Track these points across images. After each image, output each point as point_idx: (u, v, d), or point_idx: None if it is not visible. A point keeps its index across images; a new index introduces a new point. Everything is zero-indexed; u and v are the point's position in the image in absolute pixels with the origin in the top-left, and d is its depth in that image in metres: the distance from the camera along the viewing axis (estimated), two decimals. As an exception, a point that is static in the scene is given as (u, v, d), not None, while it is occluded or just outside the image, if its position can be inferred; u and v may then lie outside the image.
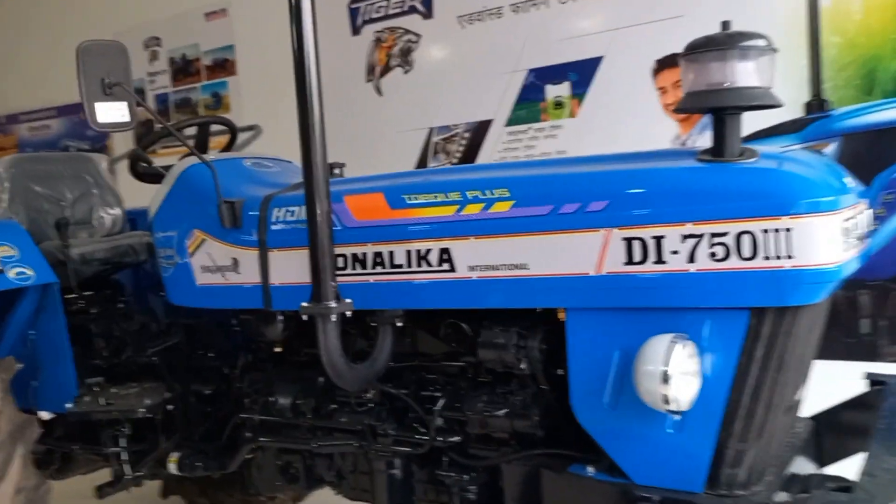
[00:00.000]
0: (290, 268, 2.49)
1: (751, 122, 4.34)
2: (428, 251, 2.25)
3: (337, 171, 3.08)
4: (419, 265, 2.27)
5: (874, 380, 2.41)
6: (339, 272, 2.39)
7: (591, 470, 2.11)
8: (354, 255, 2.38)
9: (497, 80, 4.99)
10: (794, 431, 2.36)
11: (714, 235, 1.86)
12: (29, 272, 2.90)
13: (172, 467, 3.06)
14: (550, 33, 4.75)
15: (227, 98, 6.27)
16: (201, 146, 3.22)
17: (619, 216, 1.97)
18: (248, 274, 2.60)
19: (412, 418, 2.49)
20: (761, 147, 2.04)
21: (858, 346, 3.92)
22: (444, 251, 2.22)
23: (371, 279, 2.35)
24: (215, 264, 2.69)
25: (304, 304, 2.19)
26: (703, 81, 1.94)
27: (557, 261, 2.06)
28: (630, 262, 1.96)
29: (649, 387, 1.82)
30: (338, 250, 2.39)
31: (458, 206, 2.21)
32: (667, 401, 1.80)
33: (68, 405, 3.03)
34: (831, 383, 2.48)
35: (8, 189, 3.49)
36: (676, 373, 1.81)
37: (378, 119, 5.51)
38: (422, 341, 2.51)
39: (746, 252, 1.83)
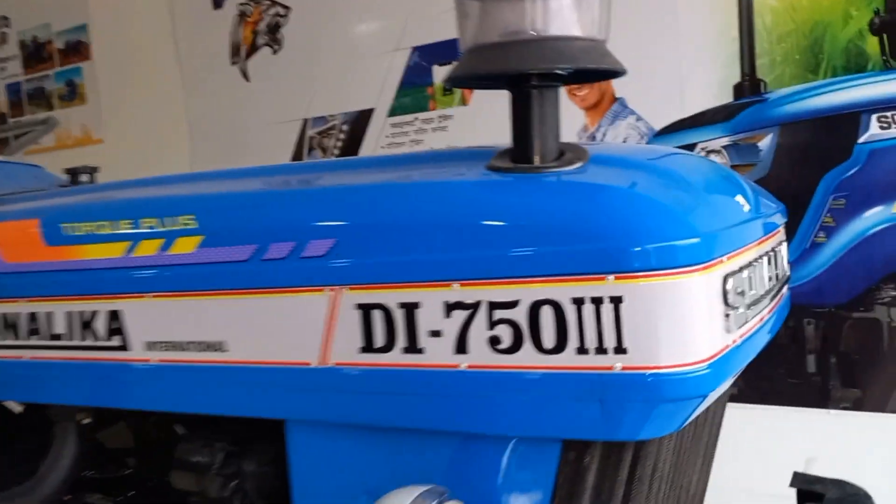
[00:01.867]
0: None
1: (663, 110, 3.54)
2: (93, 315, 1.40)
3: (85, 177, 2.22)
4: (83, 337, 1.42)
5: (803, 489, 1.59)
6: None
7: None
8: (4, 317, 1.53)
9: (378, 62, 4.13)
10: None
11: (495, 307, 1.03)
12: None
13: None
14: (437, 3, 3.90)
15: (83, 87, 5.34)
16: None
17: (350, 267, 1.13)
18: None
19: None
20: (600, 146, 1.23)
21: (804, 389, 3.14)
22: (114, 315, 1.38)
23: (27, 356, 1.50)
24: None
25: None
26: (490, 30, 1.11)
27: (263, 341, 1.22)
28: (368, 347, 1.13)
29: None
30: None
31: (129, 244, 1.36)
32: None
33: None
34: (770, 438, 1.68)
35: None
36: (417, 565, 0.99)
37: (246, 108, 4.63)
38: (120, 442, 1.67)
39: (548, 339, 1.00)
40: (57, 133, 5.43)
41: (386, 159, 1.34)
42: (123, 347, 1.36)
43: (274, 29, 4.46)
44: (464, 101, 3.96)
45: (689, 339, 0.97)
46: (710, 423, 1.38)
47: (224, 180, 1.42)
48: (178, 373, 1.31)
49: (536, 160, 1.12)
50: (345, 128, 4.32)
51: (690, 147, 3.40)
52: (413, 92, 4.07)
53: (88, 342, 1.41)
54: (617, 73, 1.13)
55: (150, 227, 1.33)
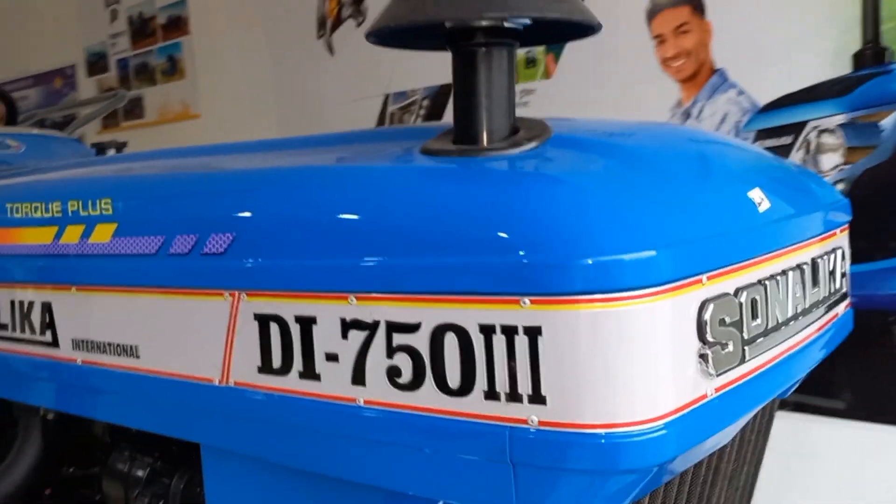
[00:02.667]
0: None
1: (770, 83, 3.10)
2: (30, 305, 1.28)
3: (111, 152, 2.15)
4: (23, 329, 1.30)
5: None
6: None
7: None
8: (-36, 303, 1.44)
9: (459, 33, 3.89)
10: None
11: (394, 329, 0.80)
12: None
13: None
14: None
15: (183, 62, 5.41)
16: None
17: (249, 268, 0.93)
18: None
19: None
20: (572, 123, 0.95)
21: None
22: (46, 308, 1.25)
23: (-19, 344, 1.41)
24: None
25: None
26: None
27: (171, 348, 1.04)
28: (266, 367, 0.92)
29: None
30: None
31: (57, 228, 1.22)
32: None
33: None
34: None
35: None
36: None
37: (330, 83, 4.52)
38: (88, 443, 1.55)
39: (452, 377, 0.76)
40: (159, 109, 5.56)
41: (319, 139, 1.12)
42: (55, 344, 1.23)
43: (358, 1, 4.31)
44: (547, 74, 3.66)
45: (634, 389, 0.70)
46: (727, 472, 1.09)
47: (162, 160, 1.25)
48: (99, 377, 1.16)
49: (482, 140, 0.88)
50: (425, 103, 4.12)
51: (800, 126, 2.97)
52: (496, 64, 3.81)
53: (27, 335, 1.29)
54: (587, 28, 0.86)
55: (75, 211, 1.18)
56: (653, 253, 0.70)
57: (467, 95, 0.89)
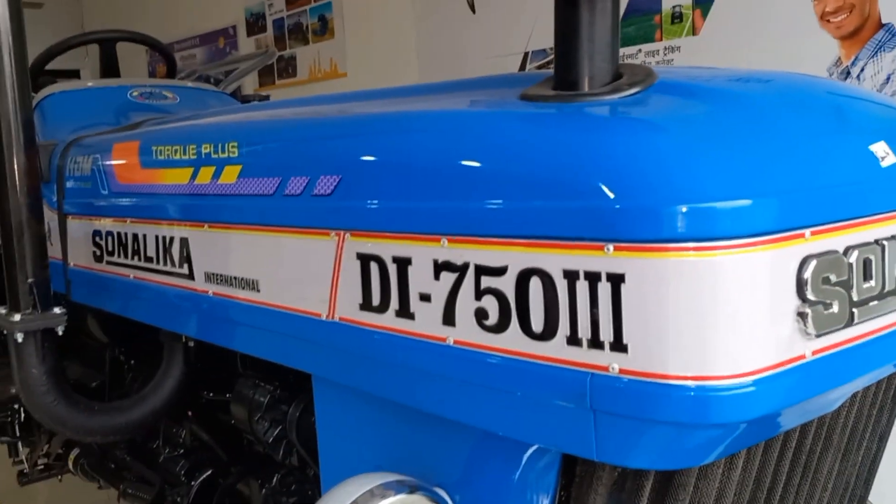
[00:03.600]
0: (87, 244, 1.75)
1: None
2: (171, 241, 1.39)
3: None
4: (165, 261, 1.42)
5: None
6: (109, 259, 1.62)
7: None
8: (118, 236, 1.58)
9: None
10: None
11: (483, 272, 0.81)
12: None
13: (70, 465, 2.54)
14: (670, -81, 3.45)
15: (333, 21, 5.59)
16: (111, 70, 2.56)
17: (352, 209, 0.97)
18: (56, 248, 1.91)
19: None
20: (681, 70, 0.91)
21: None
22: (184, 243, 1.35)
23: (131, 275, 1.55)
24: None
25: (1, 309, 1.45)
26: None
27: (286, 283, 1.11)
28: (367, 304, 0.96)
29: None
30: (105, 226, 1.62)
31: (192, 170, 1.31)
32: None
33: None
34: None
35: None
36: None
37: (471, 41, 4.53)
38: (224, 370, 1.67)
39: (536, 320, 0.77)
40: (310, 67, 5.78)
41: (425, 87, 1.14)
42: (191, 276, 1.34)
43: (500, -42, 4.27)
44: (693, 31, 3.50)
45: (720, 342, 0.68)
46: (840, 445, 1.02)
47: (281, 108, 1.31)
48: (228, 308, 1.25)
49: (583, 85, 0.86)
50: (564, 61, 4.05)
51: (978, 87, 2.68)
52: (638, 20, 3.67)
53: (169, 268, 1.41)
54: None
55: (207, 154, 1.27)
56: (748, 202, 0.67)
57: (569, 39, 0.87)
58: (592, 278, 0.71)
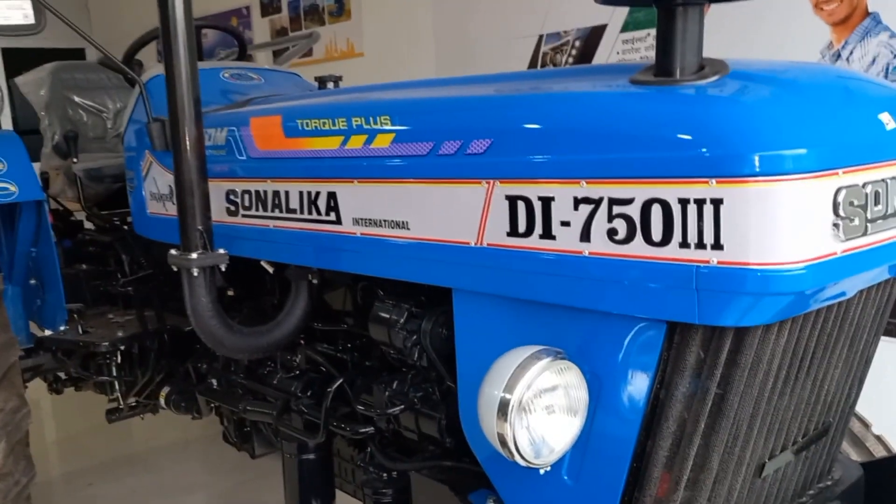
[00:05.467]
0: (220, 202, 2.10)
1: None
2: (317, 194, 1.75)
3: (330, 85, 2.61)
4: (309, 211, 1.78)
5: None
6: (245, 213, 1.98)
7: (491, 504, 1.57)
8: (257, 193, 1.94)
9: (616, -25, 4.13)
10: (824, 486, 1.62)
11: (614, 203, 1.19)
12: (12, 188, 2.77)
13: (162, 402, 2.90)
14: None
15: (349, 2, 5.89)
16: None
17: (502, 163, 1.34)
18: (179, 206, 2.25)
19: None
20: (746, 62, 1.29)
21: None
22: (332, 196, 1.71)
23: (270, 224, 1.90)
24: (159, 192, 2.37)
25: (173, 251, 1.80)
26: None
27: (437, 222, 1.48)
28: (514, 232, 1.34)
29: (486, 421, 1.23)
30: (241, 185, 1.97)
31: (342, 138, 1.67)
32: (504, 444, 1.21)
33: (62, 327, 2.93)
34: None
35: (45, 98, 3.40)
36: (528, 405, 1.21)
37: (487, 23, 4.87)
38: (341, 303, 2.04)
39: (656, 233, 1.14)
40: (326, 47, 6.08)
41: (549, 73, 1.50)
42: (338, 221, 1.70)
43: (517, -56, 4.60)
44: (699, 16, 3.86)
45: (784, 241, 1.06)
46: (850, 333, 1.42)
47: (416, 88, 1.68)
48: (375, 244, 1.61)
49: (677, 73, 1.23)
50: (577, 44, 4.41)
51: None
52: (647, 7, 4.03)
53: (314, 216, 1.76)
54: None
55: (359, 125, 1.63)
56: (803, 151, 1.05)
57: (667, 40, 1.24)
58: (699, 203, 1.09)
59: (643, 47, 4.11)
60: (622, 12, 4.14)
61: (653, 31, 4.07)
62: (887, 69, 3.24)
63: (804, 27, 3.46)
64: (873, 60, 3.30)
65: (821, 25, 3.44)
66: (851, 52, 3.36)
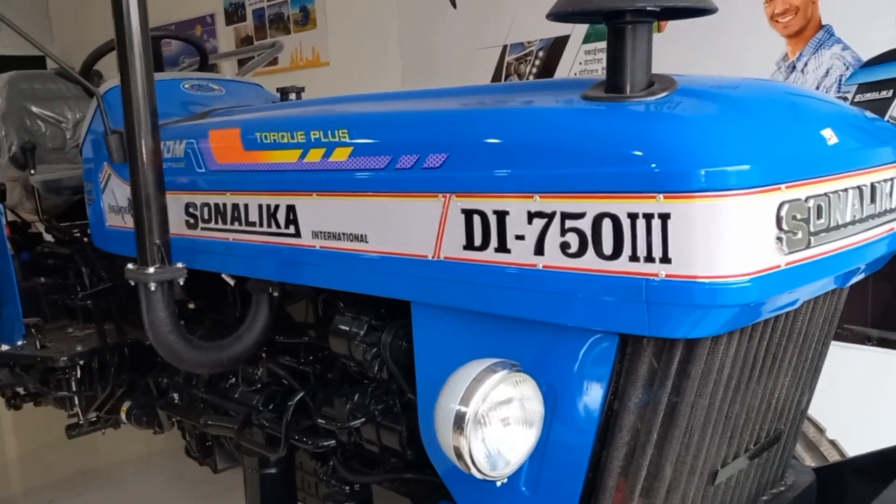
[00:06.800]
0: (179, 215, 2.09)
1: (875, 39, 3.26)
2: (276, 208, 1.75)
3: (292, 96, 2.61)
4: (269, 224, 1.78)
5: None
6: (205, 226, 1.97)
7: (455, 513, 1.57)
8: (216, 206, 1.93)
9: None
10: (777, 492, 1.65)
11: (566, 217, 1.20)
12: (-39, 199, 2.73)
13: (123, 417, 2.86)
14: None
15: (314, 12, 5.89)
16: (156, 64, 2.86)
17: (458, 177, 1.35)
18: (139, 219, 2.23)
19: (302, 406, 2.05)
20: (693, 78, 1.32)
21: None
22: (291, 209, 1.71)
23: (230, 237, 1.90)
24: (118, 204, 2.35)
25: (130, 266, 1.79)
26: (591, -28, 1.24)
27: (395, 235, 1.49)
28: (470, 245, 1.35)
29: (442, 434, 1.24)
30: (201, 198, 1.96)
31: (301, 151, 1.67)
32: (460, 457, 1.22)
33: (20, 342, 2.88)
34: None
35: (1, 107, 3.34)
36: (484, 418, 1.22)
37: (452, 35, 4.90)
38: (302, 315, 2.04)
39: (607, 247, 1.16)
40: (292, 56, 6.07)
41: (506, 87, 1.52)
42: (297, 235, 1.70)
43: (481, -44, 4.64)
44: (658, 29, 3.93)
45: (729, 254, 1.08)
46: (798, 342, 1.45)
47: (374, 102, 1.69)
48: (334, 257, 1.62)
49: (627, 90, 1.26)
50: (541, 54, 4.45)
51: (901, 81, 3.17)
52: (609, 18, 4.09)
53: (273, 229, 1.76)
54: (706, 10, 1.22)
55: (317, 138, 1.63)
56: (747, 167, 1.08)
57: (617, 58, 1.26)
58: (648, 217, 1.11)
59: (605, 58, 4.16)
60: (584, 24, 4.19)
61: (614, 43, 4.15)
62: (840, 81, 3.32)
63: (761, 39, 3.54)
64: (827, 72, 3.38)
65: (777, 38, 3.51)
66: (806, 64, 3.44)
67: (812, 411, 1.84)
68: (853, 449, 2.03)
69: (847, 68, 3.34)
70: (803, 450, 2.07)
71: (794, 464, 1.77)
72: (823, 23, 3.39)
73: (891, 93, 3.18)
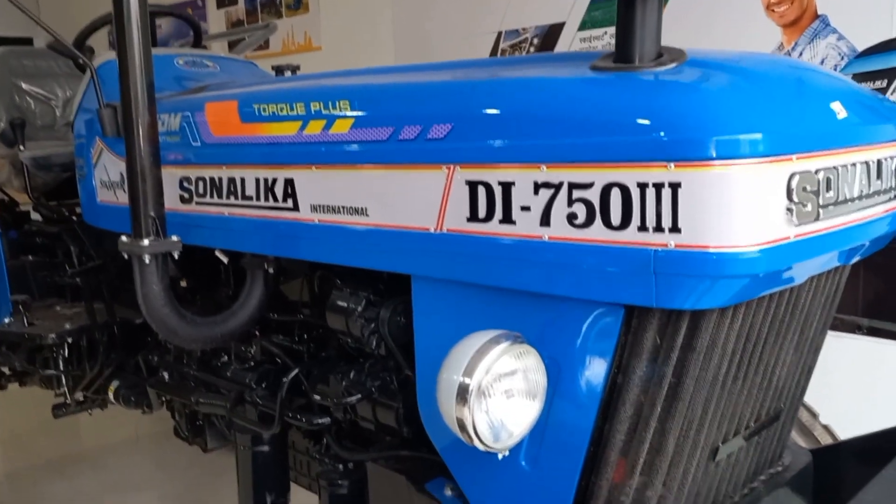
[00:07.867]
0: (173, 189, 2.05)
1: (871, 29, 3.26)
2: (274, 181, 1.72)
3: (287, 73, 2.58)
4: (266, 198, 1.75)
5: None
6: (200, 200, 1.94)
7: (448, 492, 1.56)
8: (212, 180, 1.90)
9: (574, -28, 4.17)
10: (774, 472, 1.65)
11: (574, 187, 1.19)
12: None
13: (111, 396, 2.82)
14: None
15: (307, -4, 5.84)
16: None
17: (463, 148, 1.33)
18: (132, 194, 2.20)
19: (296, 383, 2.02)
20: (703, 51, 1.30)
21: None
22: (289, 182, 1.69)
23: (226, 212, 1.87)
24: (110, 179, 2.31)
25: (124, 238, 1.75)
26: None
27: (396, 208, 1.47)
28: (474, 217, 1.33)
29: (445, 406, 1.22)
30: (196, 172, 1.93)
31: (301, 123, 1.65)
32: (462, 428, 1.21)
33: (7, 319, 2.84)
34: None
35: (-10, 85, 3.29)
36: (487, 389, 1.21)
37: (446, 20, 4.87)
38: (298, 292, 2.02)
39: (615, 217, 1.15)
40: (283, 40, 6.02)
41: (511, 60, 1.50)
42: (295, 208, 1.68)
43: (476, -60, 4.61)
44: (655, 15, 3.91)
45: (739, 224, 1.07)
46: (801, 319, 1.45)
47: (376, 74, 1.66)
48: (333, 231, 1.59)
49: (636, 60, 1.24)
50: (535, 41, 4.43)
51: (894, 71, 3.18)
52: (605, 5, 4.07)
53: (270, 203, 1.74)
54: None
55: (317, 110, 1.60)
56: (759, 135, 1.06)
57: (627, 28, 1.25)
58: (658, 186, 1.09)
59: (600, 45, 4.15)
60: (580, 10, 4.18)
61: (609, 30, 4.13)
62: (835, 70, 3.33)
63: (756, 28, 3.54)
64: (822, 62, 3.39)
65: (772, 27, 3.51)
66: (801, 54, 3.44)
67: (805, 397, 1.84)
68: (846, 434, 2.03)
69: (842, 58, 3.34)
70: (797, 434, 2.07)
71: (790, 445, 1.77)
72: (819, 13, 3.39)
73: (885, 83, 3.19)
